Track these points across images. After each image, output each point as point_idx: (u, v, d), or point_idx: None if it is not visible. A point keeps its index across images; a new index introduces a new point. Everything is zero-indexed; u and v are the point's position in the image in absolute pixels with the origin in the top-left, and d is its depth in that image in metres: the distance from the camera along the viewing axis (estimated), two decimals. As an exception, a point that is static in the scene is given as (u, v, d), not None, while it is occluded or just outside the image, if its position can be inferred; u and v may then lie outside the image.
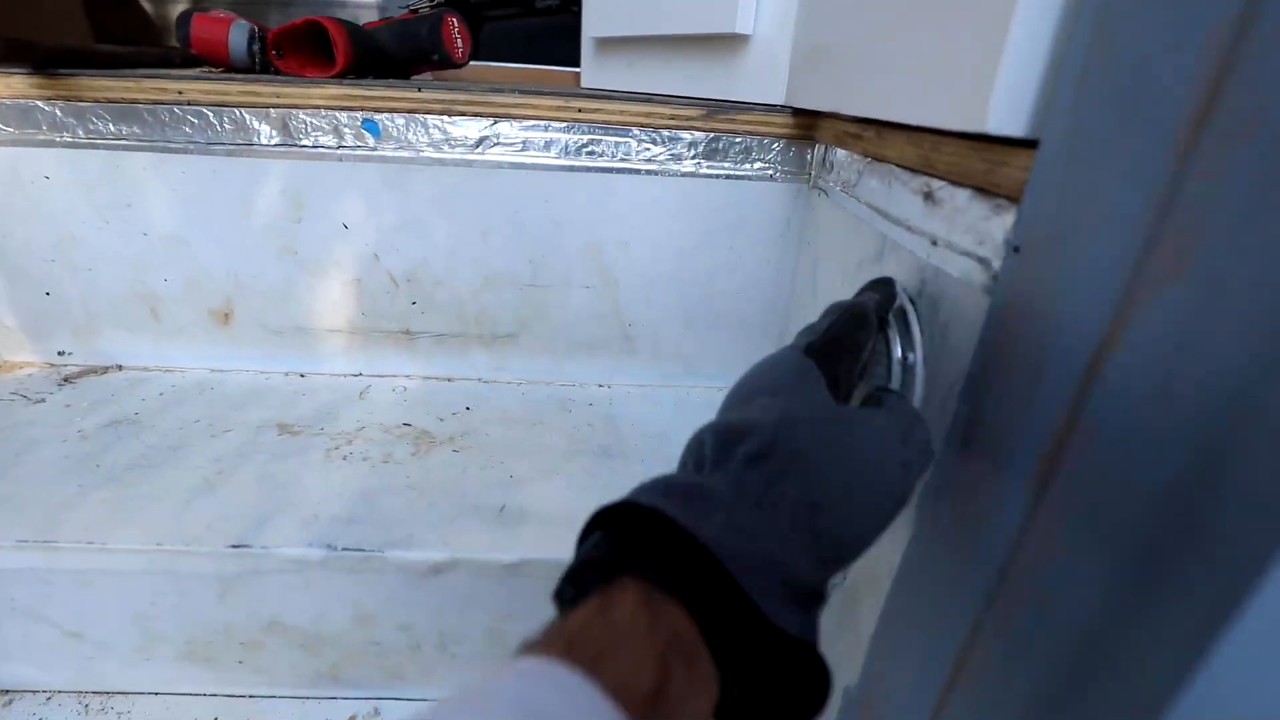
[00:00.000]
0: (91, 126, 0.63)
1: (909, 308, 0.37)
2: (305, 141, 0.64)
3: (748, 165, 0.68)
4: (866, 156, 0.51)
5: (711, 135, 0.67)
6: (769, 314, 0.76)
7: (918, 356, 0.35)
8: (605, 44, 0.95)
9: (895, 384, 0.36)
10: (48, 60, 0.60)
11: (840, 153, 0.61)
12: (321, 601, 0.57)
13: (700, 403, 0.77)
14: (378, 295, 0.72)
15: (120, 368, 0.76)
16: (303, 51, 0.74)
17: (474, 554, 0.51)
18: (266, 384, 0.74)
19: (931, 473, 0.32)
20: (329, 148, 0.64)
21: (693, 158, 0.68)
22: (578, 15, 0.97)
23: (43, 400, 0.69)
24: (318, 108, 0.62)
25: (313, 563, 0.51)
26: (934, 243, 0.37)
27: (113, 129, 0.63)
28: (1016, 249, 0.27)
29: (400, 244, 0.69)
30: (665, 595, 0.21)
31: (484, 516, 0.55)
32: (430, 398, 0.73)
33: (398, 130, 0.64)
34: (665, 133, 0.67)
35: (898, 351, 0.36)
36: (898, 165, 0.44)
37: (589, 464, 0.64)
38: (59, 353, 0.76)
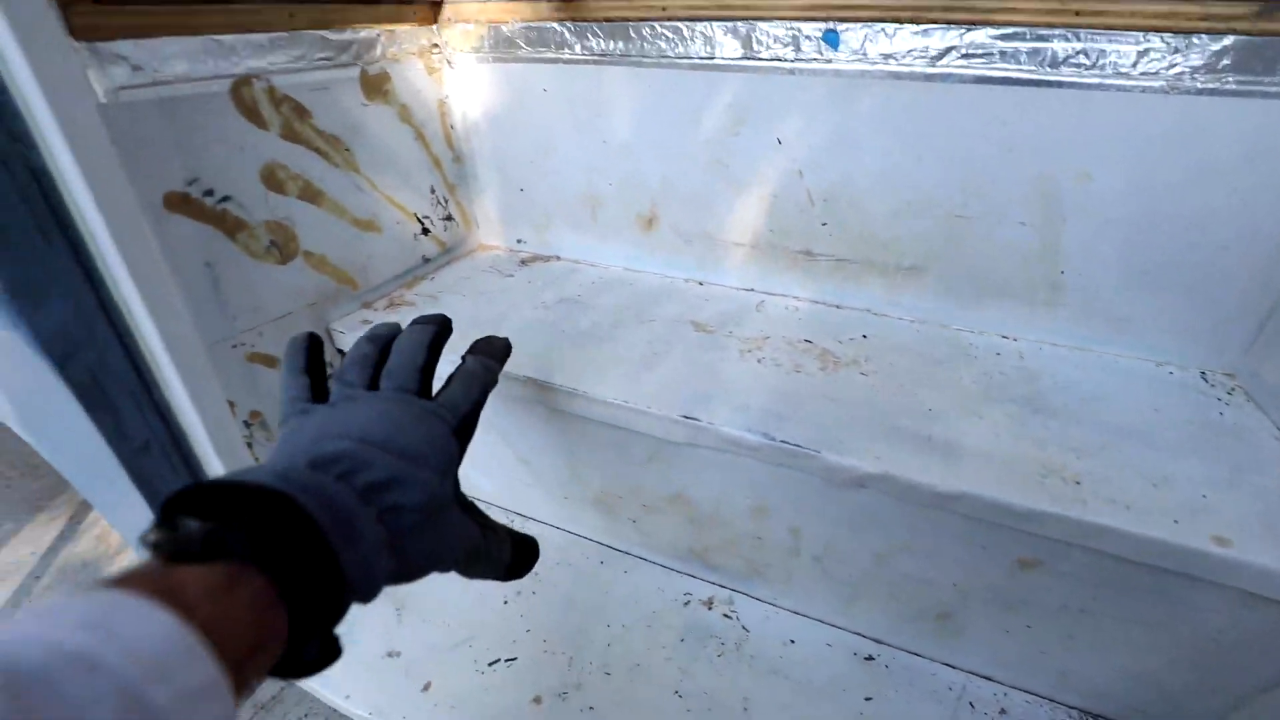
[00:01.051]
0: (587, 43, 0.73)
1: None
2: (763, 54, 0.67)
3: (1302, 80, 0.53)
4: None
5: (1256, 40, 0.53)
6: (1261, 280, 0.60)
7: None
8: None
9: None
10: (568, -15, 0.71)
11: None
12: (731, 485, 0.61)
13: (1136, 373, 0.65)
14: (790, 213, 0.74)
15: (559, 258, 0.91)
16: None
17: (908, 474, 0.50)
18: (672, 286, 0.82)
19: None
20: (784, 61, 0.66)
21: (1218, 70, 0.54)
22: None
23: (511, 275, 0.85)
24: (785, 18, 0.64)
25: (748, 446, 0.55)
26: None
27: (603, 45, 0.73)
28: None
29: (827, 162, 0.69)
30: (279, 601, 0.25)
31: (911, 441, 0.54)
32: (823, 320, 0.74)
33: (857, 41, 0.63)
34: (1185, 38, 0.54)
35: None
36: None
37: (1014, 412, 0.58)
38: (518, 240, 0.93)
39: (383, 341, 0.42)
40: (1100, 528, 0.46)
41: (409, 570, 0.33)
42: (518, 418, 0.68)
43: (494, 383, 0.43)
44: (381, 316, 0.73)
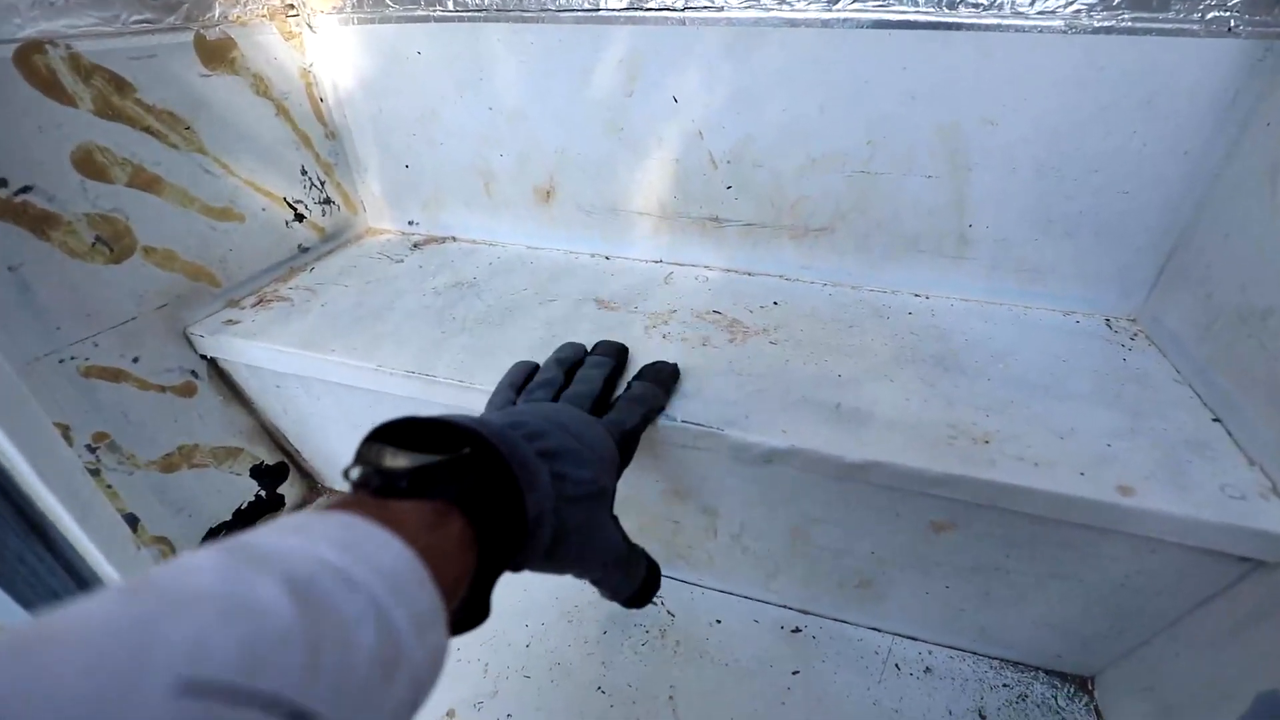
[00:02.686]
0: (460, -2, 0.66)
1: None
2: (651, 3, 0.61)
3: (1195, 15, 0.51)
4: None
5: (1147, -26, 0.51)
6: (1161, 223, 0.60)
7: None
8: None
9: None
10: (430, -69, 0.63)
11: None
12: (641, 469, 0.58)
13: (1044, 325, 0.64)
14: (693, 177, 0.69)
15: (454, 239, 0.84)
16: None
17: (815, 446, 0.48)
18: (576, 263, 0.77)
19: None
20: (674, 9, 0.61)
21: (1113, 7, 0.53)
22: None
23: (401, 261, 0.78)
24: (670, -38, 0.59)
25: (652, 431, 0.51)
26: None
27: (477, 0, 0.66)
28: None
29: (727, 120, 0.65)
30: (476, 540, 0.27)
31: (820, 412, 0.51)
32: (734, 289, 0.70)
33: (748, -15, 0.58)
34: (1080, -27, 0.52)
35: None
36: None
37: (924, 373, 0.56)
38: (409, 222, 0.86)
39: (569, 364, 0.50)
40: (1009, 487, 0.45)
41: (565, 547, 0.33)
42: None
43: (661, 408, 0.49)
44: (250, 315, 0.66)
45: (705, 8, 0.60)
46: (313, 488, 0.82)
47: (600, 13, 0.63)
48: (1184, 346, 0.57)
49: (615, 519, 0.40)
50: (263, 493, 0.75)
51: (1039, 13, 0.54)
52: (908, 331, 0.63)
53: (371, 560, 0.21)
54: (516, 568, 0.32)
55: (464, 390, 0.55)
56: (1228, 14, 0.51)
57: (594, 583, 0.41)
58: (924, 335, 0.62)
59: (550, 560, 0.33)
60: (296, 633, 0.17)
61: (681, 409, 0.51)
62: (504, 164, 0.76)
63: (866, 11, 0.57)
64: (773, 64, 0.61)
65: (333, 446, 0.74)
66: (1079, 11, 0.53)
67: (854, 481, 0.49)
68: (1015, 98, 0.57)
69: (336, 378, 0.60)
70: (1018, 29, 0.55)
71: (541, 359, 0.53)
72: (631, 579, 0.43)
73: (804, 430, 0.49)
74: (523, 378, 0.49)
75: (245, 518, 0.73)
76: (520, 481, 0.29)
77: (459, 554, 0.26)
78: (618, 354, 0.51)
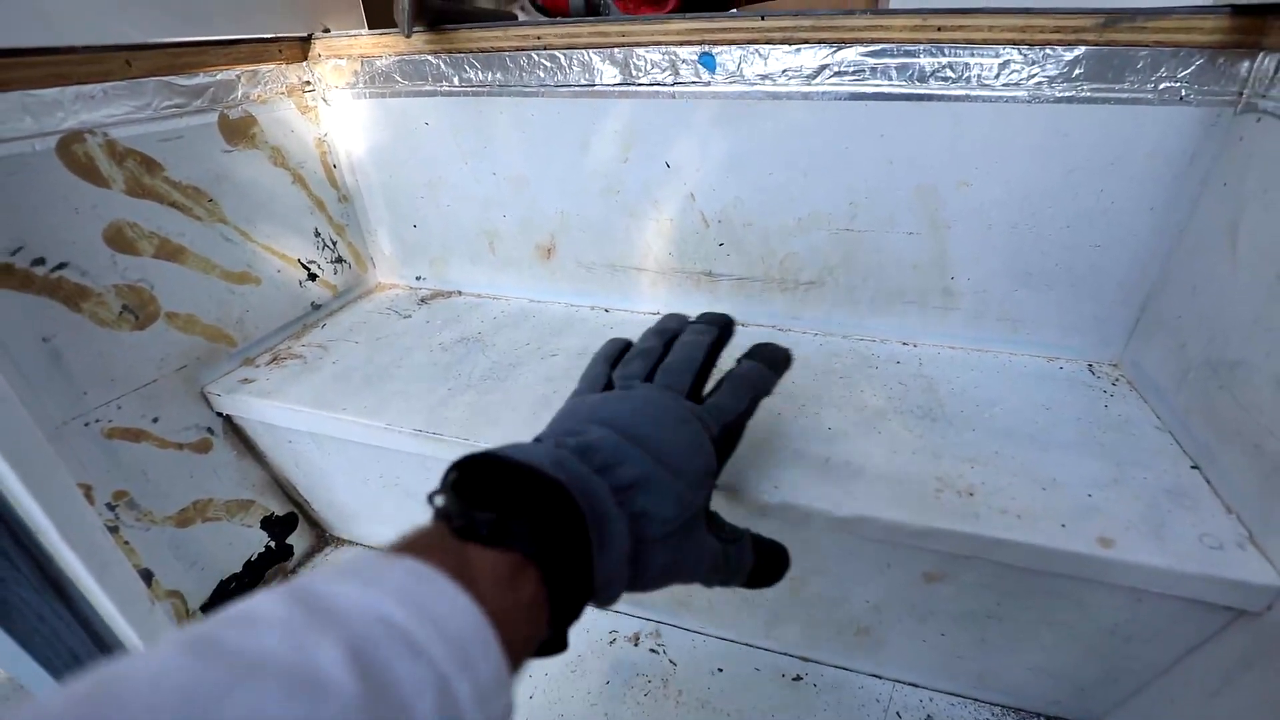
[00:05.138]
0: (465, 75, 0.71)
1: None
2: (643, 80, 0.66)
3: (1149, 85, 0.55)
4: None
5: (1103, 50, 0.55)
6: (1133, 275, 0.62)
7: None
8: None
9: None
10: (438, 18, 0.68)
11: (1313, 60, 0.46)
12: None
13: (1027, 372, 0.67)
14: (687, 235, 0.73)
15: (460, 293, 0.88)
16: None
17: (806, 501, 0.50)
18: (576, 315, 0.80)
19: None
20: (664, 85, 0.65)
21: (1072, 79, 0.56)
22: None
23: (409, 316, 0.82)
24: (660, 43, 0.63)
25: (648, 484, 0.53)
26: None
27: (481, 76, 0.70)
28: None
29: (717, 184, 0.69)
30: (548, 601, 0.26)
31: (811, 465, 0.53)
32: (729, 341, 0.73)
33: (733, 63, 0.63)
34: (1041, 49, 0.56)
35: None
36: None
37: (912, 424, 0.58)
38: (417, 278, 0.90)
39: (669, 335, 0.44)
40: (993, 540, 0.47)
41: (645, 583, 0.32)
42: (413, 471, 0.65)
43: (767, 392, 0.43)
44: (265, 374, 0.69)
45: (694, 83, 0.64)
46: (321, 537, 0.83)
47: (596, 88, 0.67)
48: (1163, 394, 0.59)
49: (710, 520, 0.36)
50: (272, 543, 0.76)
51: (1004, 85, 0.58)
52: (896, 382, 0.65)
53: (439, 623, 0.20)
54: (601, 605, 0.30)
55: (470, 448, 0.57)
56: (1178, 84, 0.54)
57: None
58: (912, 385, 0.64)
59: (634, 589, 0.32)
60: (353, 712, 0.17)
61: (677, 464, 0.53)
62: (507, 224, 0.79)
63: (843, 85, 0.61)
64: (758, 133, 0.65)
65: (342, 498, 0.76)
66: (1040, 84, 0.57)
67: (846, 534, 0.51)
68: (986, 162, 0.61)
69: (347, 435, 0.63)
70: (985, 99, 0.59)
71: (542, 417, 0.55)
72: (736, 575, 0.38)
73: (795, 485, 0.51)
74: (617, 352, 0.44)
75: (255, 569, 0.74)
76: (593, 545, 0.27)
77: (531, 616, 0.24)
78: (722, 325, 0.45)
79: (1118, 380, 0.65)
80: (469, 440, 0.57)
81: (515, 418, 0.60)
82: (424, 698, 0.18)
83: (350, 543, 0.82)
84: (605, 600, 0.30)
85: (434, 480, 0.68)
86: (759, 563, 0.40)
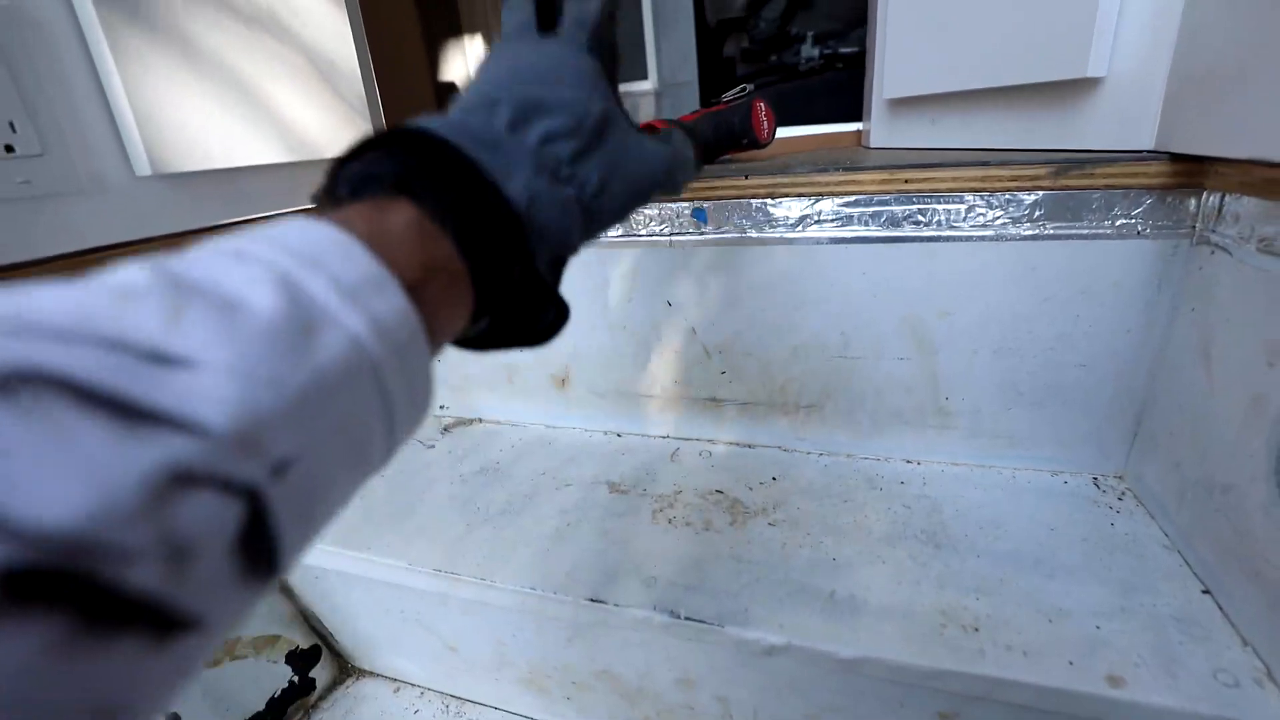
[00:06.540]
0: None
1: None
2: (642, 232, 0.72)
3: (1106, 222, 0.60)
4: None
5: (1060, 194, 0.60)
6: (1122, 391, 0.64)
7: None
8: (901, 102, 0.93)
9: None
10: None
11: (1250, 201, 0.50)
12: (650, 659, 0.60)
13: (1031, 488, 0.67)
14: (691, 365, 0.77)
15: (481, 420, 0.92)
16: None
17: (809, 642, 0.50)
18: (590, 441, 0.84)
19: None
20: (661, 235, 0.72)
21: (1034, 219, 0.61)
22: (843, 71, 0.97)
23: (433, 446, 0.86)
24: (655, 201, 0.70)
25: (656, 626, 0.55)
26: None
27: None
28: None
29: (716, 318, 0.74)
30: (440, 229, 0.23)
31: (815, 602, 0.54)
32: (735, 464, 0.76)
33: (723, 215, 0.69)
34: (1002, 195, 0.62)
35: None
36: None
37: (916, 551, 0.59)
38: (440, 406, 0.95)
39: None
40: (999, 681, 0.47)
41: (604, 202, 0.30)
42: (433, 607, 0.67)
43: None
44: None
45: (688, 233, 0.71)
46: (343, 669, 0.84)
47: (601, 240, 0.74)
48: (1168, 510, 0.60)
49: (636, 127, 0.34)
50: (295, 679, 0.78)
51: (971, 226, 0.63)
52: (900, 504, 0.66)
53: (275, 241, 0.19)
54: (570, 247, 0.29)
55: (485, 588, 0.60)
56: (1133, 220, 0.59)
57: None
58: (916, 507, 0.66)
59: (604, 218, 0.31)
60: (154, 292, 0.16)
61: (685, 604, 0.55)
62: (524, 359, 0.85)
63: (824, 231, 0.67)
64: (749, 274, 0.71)
65: (365, 629, 0.77)
66: (1005, 224, 0.62)
67: (851, 675, 0.51)
68: (963, 293, 0.65)
69: (370, 574, 0.66)
70: (956, 239, 0.64)
71: (557, 553, 0.58)
72: (685, 164, 0.37)
73: (799, 624, 0.52)
74: None
75: (278, 706, 0.75)
76: (481, 167, 0.25)
77: (413, 237, 0.22)
78: None
79: (1123, 494, 0.66)
80: (484, 580, 0.60)
81: (528, 553, 0.62)
82: (256, 287, 0.17)
83: (372, 674, 0.83)
84: (563, 233, 0.28)
85: (452, 617, 0.70)
86: (697, 150, 0.40)
